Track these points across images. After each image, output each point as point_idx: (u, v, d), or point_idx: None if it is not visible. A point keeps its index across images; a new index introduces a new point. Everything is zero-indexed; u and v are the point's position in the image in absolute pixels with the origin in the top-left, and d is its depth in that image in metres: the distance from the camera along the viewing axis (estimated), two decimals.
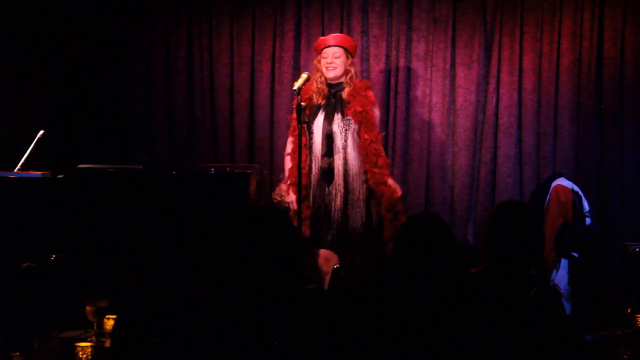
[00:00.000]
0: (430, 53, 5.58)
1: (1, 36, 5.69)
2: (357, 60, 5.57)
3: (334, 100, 4.66)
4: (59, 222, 4.42)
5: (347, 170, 4.62)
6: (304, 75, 4.57)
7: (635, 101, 5.37)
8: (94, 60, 5.82)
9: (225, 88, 5.80)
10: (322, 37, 4.84)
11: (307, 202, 4.68)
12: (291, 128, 4.80)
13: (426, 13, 5.57)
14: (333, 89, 4.69)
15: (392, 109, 5.61)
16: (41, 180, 4.54)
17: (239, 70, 5.79)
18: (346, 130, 4.62)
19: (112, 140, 5.84)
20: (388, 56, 5.63)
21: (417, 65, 5.59)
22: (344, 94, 4.64)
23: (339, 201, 4.63)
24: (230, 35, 5.80)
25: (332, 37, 4.75)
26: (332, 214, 4.62)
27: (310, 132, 4.65)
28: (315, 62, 4.76)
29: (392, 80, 5.62)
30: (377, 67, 5.62)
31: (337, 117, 4.62)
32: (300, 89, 4.45)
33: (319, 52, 4.73)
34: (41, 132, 4.84)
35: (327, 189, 4.63)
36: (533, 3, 5.48)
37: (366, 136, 4.57)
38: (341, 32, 5.61)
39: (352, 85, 4.65)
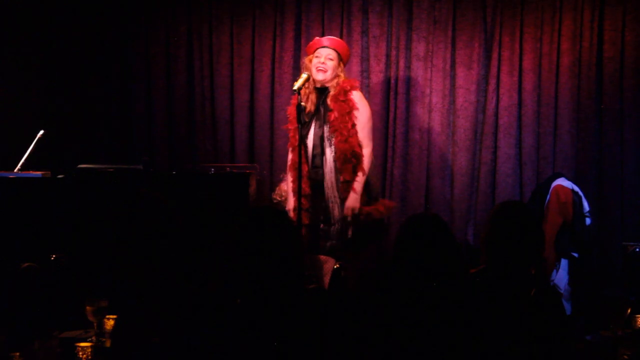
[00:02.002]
0: (430, 53, 5.57)
1: (1, 36, 5.69)
2: (356, 60, 5.59)
3: (322, 109, 4.60)
4: (59, 222, 4.42)
5: (340, 183, 4.56)
6: (304, 75, 4.55)
7: (635, 101, 5.37)
8: (94, 60, 5.82)
9: (226, 88, 5.79)
10: (317, 38, 4.76)
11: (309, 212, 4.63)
12: (290, 139, 4.72)
13: (426, 13, 5.57)
14: (322, 95, 4.62)
15: (392, 109, 5.61)
16: (41, 180, 4.54)
17: (239, 71, 5.78)
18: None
19: (112, 140, 5.84)
20: (388, 56, 5.62)
21: (417, 66, 5.59)
22: (328, 99, 4.56)
23: (337, 212, 4.58)
24: (230, 35, 5.79)
25: (328, 39, 4.67)
26: (332, 226, 4.59)
27: (305, 146, 4.59)
28: (306, 61, 4.67)
29: (392, 81, 5.62)
30: (377, 67, 5.62)
31: (326, 130, 4.56)
32: (300, 88, 4.44)
33: (312, 52, 4.67)
34: (41, 132, 4.84)
35: (323, 201, 4.60)
36: (533, 3, 5.48)
37: (340, 145, 4.49)
38: (341, 32, 5.62)
39: (337, 88, 4.55)
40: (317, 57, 4.59)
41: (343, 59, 4.63)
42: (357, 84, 4.73)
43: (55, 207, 4.47)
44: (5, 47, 5.72)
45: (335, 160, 4.54)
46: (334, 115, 4.52)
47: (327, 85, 4.60)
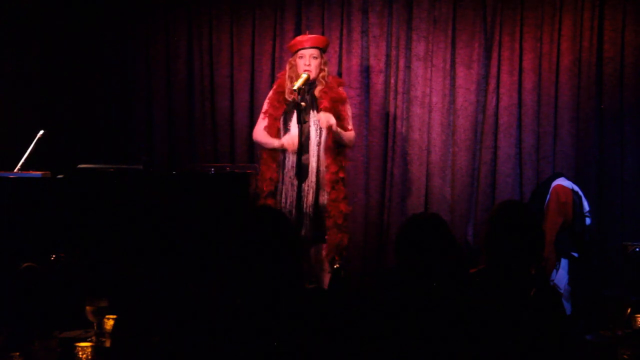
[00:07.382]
0: (430, 53, 5.58)
1: (1, 36, 5.69)
2: (356, 59, 5.60)
3: (309, 97, 4.69)
4: (59, 222, 4.41)
5: (319, 167, 4.67)
6: (304, 75, 4.58)
7: (635, 101, 5.37)
8: (94, 60, 5.82)
9: (226, 88, 5.80)
10: (298, 39, 4.79)
11: (278, 198, 4.70)
12: (267, 106, 4.78)
13: (426, 13, 5.58)
14: (309, 88, 4.71)
15: (392, 109, 5.62)
16: (41, 180, 4.53)
17: (239, 70, 5.79)
18: (321, 127, 4.65)
19: (112, 140, 5.84)
20: (388, 56, 5.63)
21: (417, 65, 5.60)
22: (316, 92, 4.67)
23: (311, 197, 4.66)
24: (230, 35, 5.80)
25: (309, 39, 4.74)
26: (305, 210, 4.65)
27: (287, 129, 4.67)
28: (291, 60, 4.77)
29: (392, 80, 5.62)
30: (377, 67, 5.62)
31: (313, 114, 4.67)
32: (300, 88, 4.46)
33: (294, 52, 4.73)
34: (41, 132, 4.84)
35: (300, 185, 4.65)
36: (533, 3, 5.48)
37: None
38: (341, 32, 5.64)
39: (324, 82, 4.69)
40: (300, 57, 4.69)
41: (325, 50, 4.77)
42: (343, 81, 4.94)
43: (55, 207, 4.46)
44: (6, 47, 5.72)
45: (318, 145, 4.63)
46: (324, 103, 4.62)
47: (313, 79, 4.71)
